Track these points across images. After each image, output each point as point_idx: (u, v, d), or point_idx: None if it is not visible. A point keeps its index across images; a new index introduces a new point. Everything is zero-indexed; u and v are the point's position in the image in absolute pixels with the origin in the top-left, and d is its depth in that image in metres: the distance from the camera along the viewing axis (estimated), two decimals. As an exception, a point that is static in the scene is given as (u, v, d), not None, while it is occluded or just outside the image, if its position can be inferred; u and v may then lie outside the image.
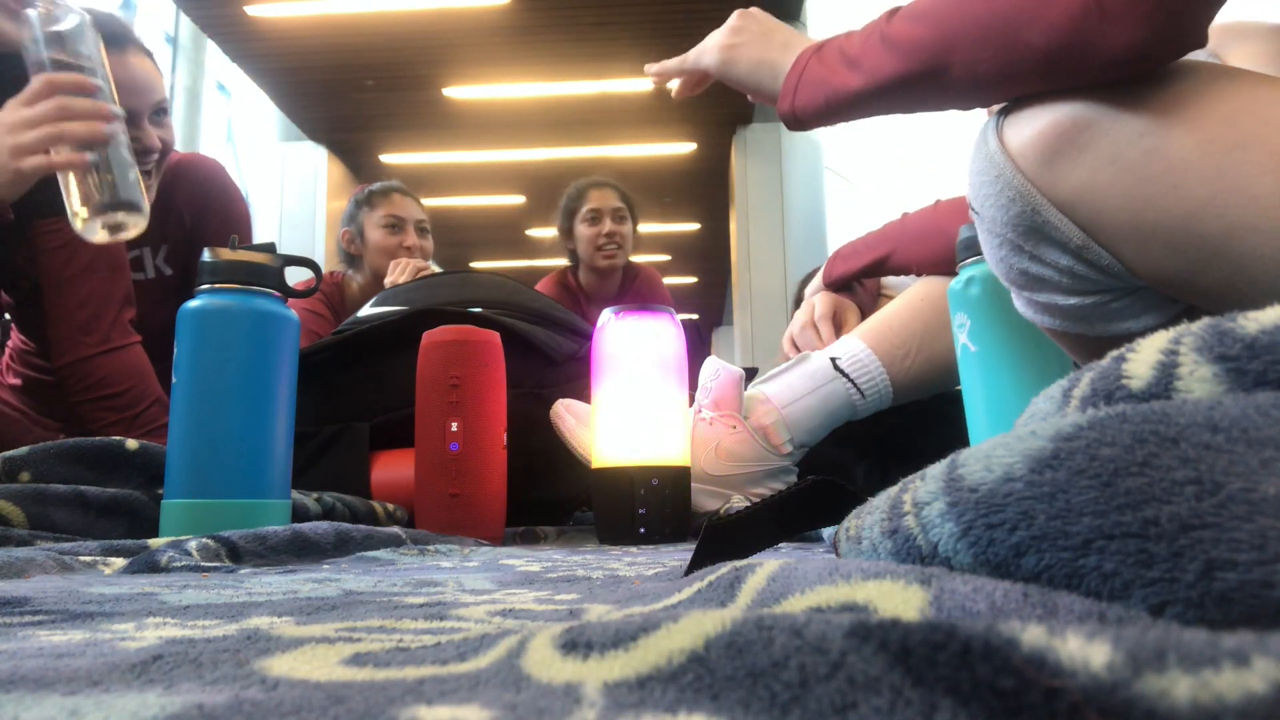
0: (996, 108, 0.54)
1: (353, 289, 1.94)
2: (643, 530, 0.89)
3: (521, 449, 0.99)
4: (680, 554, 0.71)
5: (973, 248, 0.78)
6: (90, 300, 1.03)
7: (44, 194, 1.01)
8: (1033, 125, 0.49)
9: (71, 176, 0.86)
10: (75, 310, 1.03)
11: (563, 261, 2.35)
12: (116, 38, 1.08)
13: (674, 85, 0.83)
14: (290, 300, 0.79)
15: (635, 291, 2.30)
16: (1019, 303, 0.56)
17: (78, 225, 0.86)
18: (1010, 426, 0.74)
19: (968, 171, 0.55)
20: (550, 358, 1.15)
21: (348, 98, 5.70)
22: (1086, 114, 0.47)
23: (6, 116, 0.87)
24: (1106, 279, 0.49)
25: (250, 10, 4.75)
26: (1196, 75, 0.46)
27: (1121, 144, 0.46)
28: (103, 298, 1.05)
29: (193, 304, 0.75)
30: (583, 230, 2.19)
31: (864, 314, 1.14)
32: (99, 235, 0.86)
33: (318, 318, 1.82)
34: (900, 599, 0.22)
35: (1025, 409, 0.78)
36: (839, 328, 1.12)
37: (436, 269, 1.88)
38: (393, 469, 1.05)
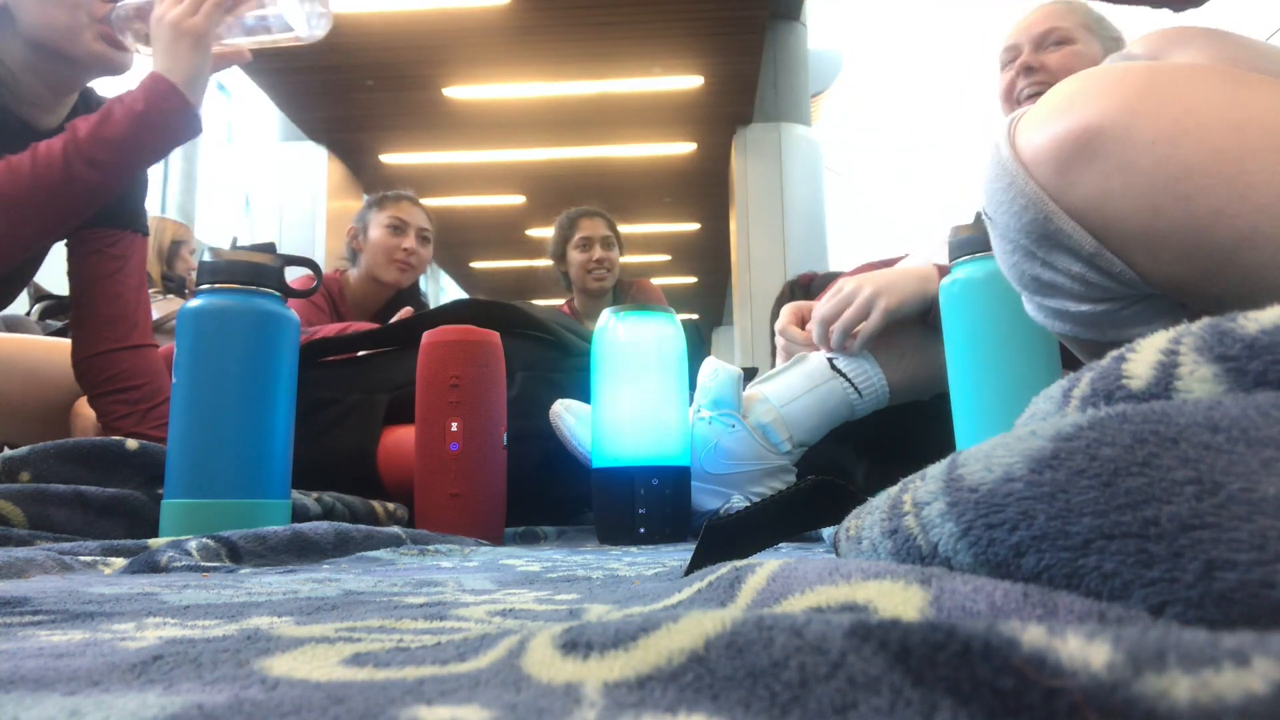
0: (1010, 115, 0.54)
1: (351, 285, 2.01)
2: (643, 530, 0.89)
3: (536, 432, 1.04)
4: (680, 554, 0.71)
5: (956, 252, 0.79)
6: (117, 300, 1.11)
7: None
8: (1045, 132, 0.49)
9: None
10: (103, 308, 1.10)
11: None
12: None
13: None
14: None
15: (630, 301, 2.48)
16: (1030, 307, 0.56)
17: (300, 26, 0.95)
18: (967, 427, 0.75)
19: (982, 178, 0.55)
20: (567, 348, 1.19)
21: (348, 98, 5.70)
22: (1099, 121, 0.47)
23: (156, 14, 0.94)
24: (1118, 286, 0.49)
25: (250, 10, 4.75)
26: (1208, 82, 0.46)
27: (1132, 152, 0.46)
28: (127, 300, 1.12)
29: (193, 304, 0.75)
30: (574, 255, 2.41)
31: None
32: (318, 18, 0.96)
33: (316, 309, 1.90)
34: (900, 599, 0.22)
35: (976, 411, 0.78)
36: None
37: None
38: (402, 442, 1.09)
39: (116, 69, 1.03)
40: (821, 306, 1.01)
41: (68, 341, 1.26)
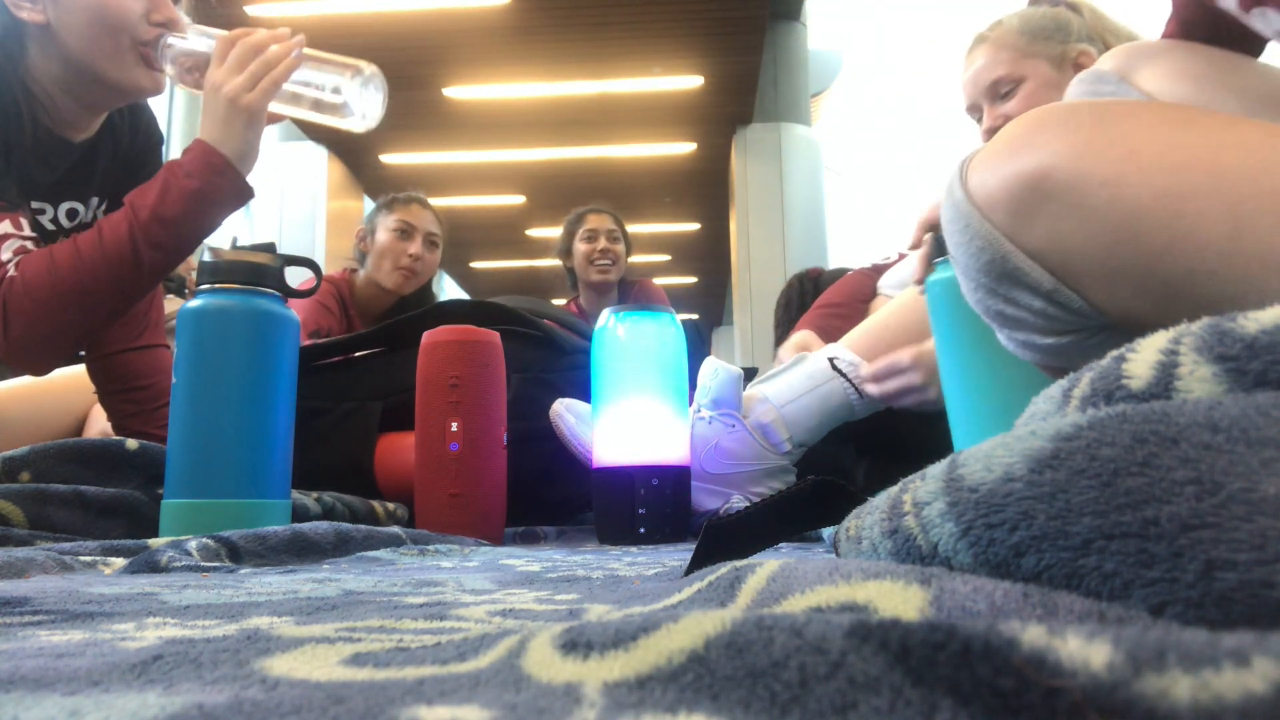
0: (962, 157, 0.54)
1: (358, 287, 2.00)
2: (643, 530, 0.89)
3: (533, 433, 1.03)
4: (680, 554, 0.71)
5: (939, 250, 0.78)
6: None
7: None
8: (997, 176, 0.50)
9: (309, 71, 0.94)
10: None
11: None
12: None
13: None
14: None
15: (633, 300, 2.50)
16: (1002, 337, 0.57)
17: (353, 112, 0.94)
18: (959, 425, 0.75)
19: (941, 216, 0.56)
20: (561, 347, 1.19)
21: (348, 97, 5.70)
22: (1049, 163, 0.48)
23: (212, 79, 0.93)
24: (1079, 319, 0.50)
25: (250, 10, 4.75)
26: (1151, 123, 0.47)
27: (1082, 194, 0.47)
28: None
29: (193, 304, 0.75)
30: (580, 247, 2.46)
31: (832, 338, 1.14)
32: (376, 106, 0.96)
33: (326, 312, 1.88)
34: (900, 599, 0.22)
35: (966, 410, 0.77)
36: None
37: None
38: (398, 450, 1.09)
39: (151, 94, 1.03)
40: (880, 376, 0.99)
41: (70, 373, 1.26)
